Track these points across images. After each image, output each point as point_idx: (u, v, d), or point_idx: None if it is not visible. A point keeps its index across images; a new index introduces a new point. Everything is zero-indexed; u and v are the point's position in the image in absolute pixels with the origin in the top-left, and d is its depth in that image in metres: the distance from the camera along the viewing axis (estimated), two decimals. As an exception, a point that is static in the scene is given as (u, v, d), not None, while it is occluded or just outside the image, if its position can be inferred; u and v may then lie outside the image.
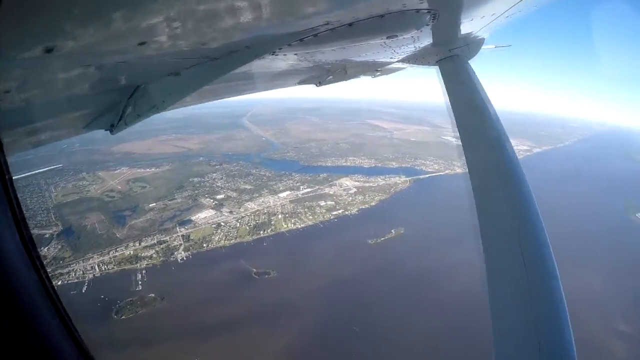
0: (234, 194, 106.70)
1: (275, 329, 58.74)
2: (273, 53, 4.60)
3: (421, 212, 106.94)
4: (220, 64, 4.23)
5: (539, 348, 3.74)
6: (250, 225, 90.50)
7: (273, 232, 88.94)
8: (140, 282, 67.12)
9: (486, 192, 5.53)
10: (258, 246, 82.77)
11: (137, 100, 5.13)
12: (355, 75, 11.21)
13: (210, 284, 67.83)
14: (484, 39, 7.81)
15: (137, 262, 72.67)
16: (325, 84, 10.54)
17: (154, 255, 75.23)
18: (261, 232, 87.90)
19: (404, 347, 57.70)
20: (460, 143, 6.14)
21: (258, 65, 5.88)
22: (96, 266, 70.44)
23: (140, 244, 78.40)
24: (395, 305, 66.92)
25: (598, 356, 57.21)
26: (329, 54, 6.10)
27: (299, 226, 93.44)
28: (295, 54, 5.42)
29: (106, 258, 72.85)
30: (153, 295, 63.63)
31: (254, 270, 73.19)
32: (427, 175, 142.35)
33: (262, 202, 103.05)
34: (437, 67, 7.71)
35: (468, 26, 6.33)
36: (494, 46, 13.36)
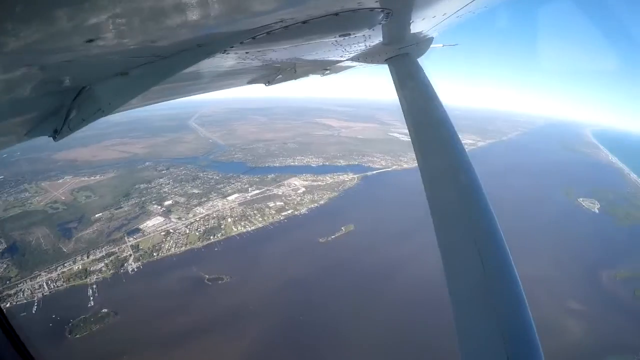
0: (182, 199, 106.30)
1: (233, 333, 59.47)
2: (225, 51, 4.66)
3: (370, 208, 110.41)
4: (170, 63, 4.15)
5: (502, 338, 3.79)
6: (200, 231, 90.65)
7: (223, 237, 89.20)
8: (91, 298, 66.07)
9: (437, 187, 5.69)
10: (209, 252, 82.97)
11: (81, 103, 4.92)
12: (305, 74, 11.07)
13: (164, 293, 67.60)
14: (433, 37, 8.01)
15: (86, 277, 71.30)
16: (275, 83, 10.67)
17: (104, 269, 74.21)
18: (211, 237, 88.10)
19: (361, 342, 59.59)
20: (410, 139, 6.36)
21: (208, 65, 5.88)
22: (44, 284, 68.68)
23: (88, 257, 77.01)
24: (350, 301, 68.81)
25: (554, 334, 61.02)
26: (280, 52, 6.15)
27: (249, 229, 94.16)
28: (246, 52, 5.40)
29: (54, 275, 71.21)
30: (106, 310, 62.85)
31: (207, 276, 73.47)
32: (375, 172, 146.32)
33: (211, 206, 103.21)
34: (386, 65, 7.96)
35: (419, 25, 6.50)
36: (442, 45, 13.26)
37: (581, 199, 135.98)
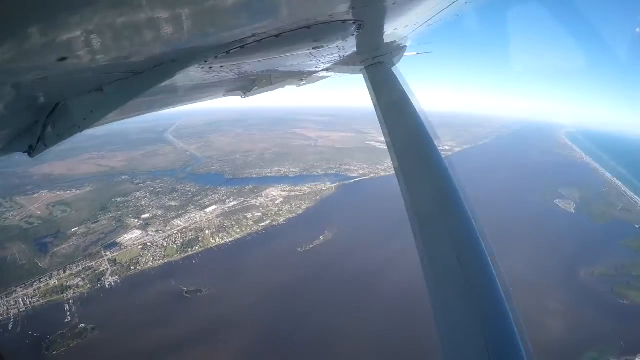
0: (160, 212, 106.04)
1: (214, 346, 59.44)
2: (199, 66, 4.65)
3: (348, 216, 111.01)
4: (145, 78, 4.10)
5: (484, 341, 3.82)
6: (178, 243, 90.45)
7: (202, 249, 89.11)
8: (69, 313, 65.58)
9: (415, 193, 5.69)
10: (187, 264, 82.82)
11: (56, 119, 4.81)
12: (281, 84, 10.75)
13: (142, 308, 67.21)
14: (406, 46, 8.13)
15: (63, 292, 70.79)
16: (251, 95, 10.51)
17: (81, 283, 73.75)
18: (189, 250, 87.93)
19: (344, 350, 60.10)
20: (387, 147, 6.40)
21: (184, 78, 5.79)
22: (20, 300, 68.16)
23: (65, 272, 76.51)
24: (331, 309, 69.17)
25: (534, 332, 61.06)
26: (255, 64, 6.18)
27: (228, 240, 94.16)
28: (221, 66, 5.38)
29: (30, 291, 70.68)
30: (84, 325, 62.37)
31: (185, 289, 73.30)
32: (352, 180, 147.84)
33: (189, 218, 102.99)
34: (361, 74, 8.00)
35: (392, 35, 6.64)
36: (415, 53, 13.69)
37: (557, 200, 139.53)
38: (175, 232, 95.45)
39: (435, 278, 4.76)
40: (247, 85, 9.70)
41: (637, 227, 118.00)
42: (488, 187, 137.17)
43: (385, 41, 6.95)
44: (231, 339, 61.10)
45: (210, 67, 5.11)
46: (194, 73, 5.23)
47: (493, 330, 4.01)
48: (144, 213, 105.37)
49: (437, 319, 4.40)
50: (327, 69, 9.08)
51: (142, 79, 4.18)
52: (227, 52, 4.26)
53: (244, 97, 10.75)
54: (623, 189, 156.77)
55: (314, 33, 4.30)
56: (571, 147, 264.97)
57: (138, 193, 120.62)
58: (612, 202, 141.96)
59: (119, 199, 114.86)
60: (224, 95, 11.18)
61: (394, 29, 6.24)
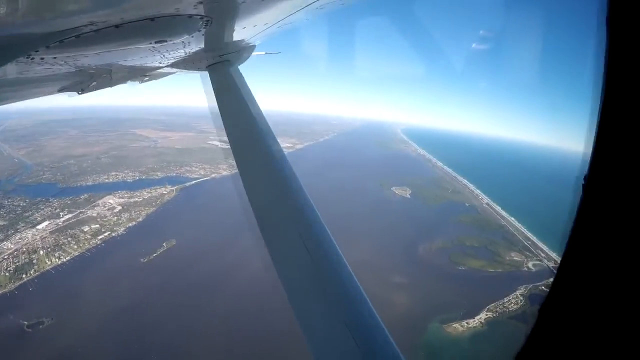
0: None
1: None
2: (29, 57, 4.21)
3: (190, 220, 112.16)
4: None
5: (353, 339, 3.99)
6: (10, 270, 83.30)
7: (38, 273, 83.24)
8: None
9: (259, 190, 5.87)
10: (24, 293, 76.89)
11: None
12: (122, 80, 10.19)
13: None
14: (255, 45, 8.10)
15: None
16: (89, 91, 9.21)
17: None
18: (24, 276, 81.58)
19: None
20: (229, 146, 6.45)
21: (11, 72, 5.25)
22: None
23: None
24: (182, 319, 69.97)
25: (384, 309, 65.99)
26: (93, 57, 5.64)
27: (65, 259, 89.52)
28: (54, 57, 4.78)
29: None
30: None
31: (26, 323, 68.18)
32: (194, 182, 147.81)
33: (20, 238, 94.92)
34: (207, 72, 7.84)
35: (240, 33, 6.48)
36: (264, 52, 13.71)
37: (394, 188, 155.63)
38: (5, 256, 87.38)
39: (288, 274, 5.04)
40: (85, 80, 8.59)
41: (467, 205, 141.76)
42: (330, 180, 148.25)
43: (233, 39, 6.92)
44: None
45: (42, 58, 4.63)
46: (22, 65, 4.73)
47: (355, 319, 4.38)
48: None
49: (298, 313, 4.66)
50: (172, 65, 8.74)
51: None
52: (61, 42, 3.82)
53: (81, 93, 9.34)
54: (453, 174, 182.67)
55: (158, 26, 4.08)
56: (406, 141, 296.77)
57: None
58: (444, 186, 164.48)
59: None
60: (59, 92, 9.85)
61: (242, 28, 6.21)
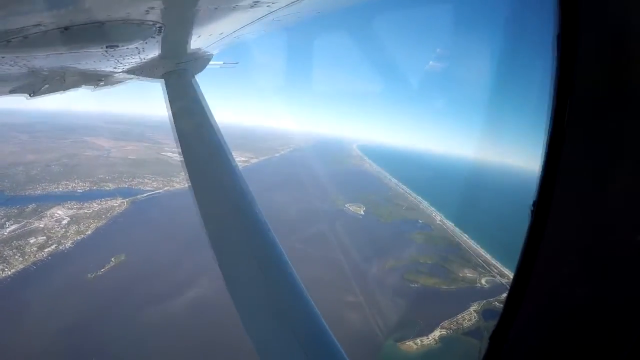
0: None
1: None
2: None
3: (141, 235, 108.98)
4: None
5: (298, 341, 4.03)
6: None
7: None
8: None
9: (211, 205, 5.78)
10: None
11: None
12: (75, 85, 9.83)
13: None
14: (212, 55, 8.02)
15: None
16: (40, 95, 9.01)
17: None
18: None
19: None
20: (182, 158, 6.29)
21: None
22: None
23: None
24: (129, 337, 68.43)
25: (338, 325, 64.93)
26: (43, 59, 5.53)
27: (9, 273, 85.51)
28: (2, 57, 4.73)
29: None
30: None
31: None
32: (146, 195, 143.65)
33: None
34: (162, 80, 7.73)
35: (196, 42, 6.38)
36: (222, 62, 13.51)
37: (348, 204, 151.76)
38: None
39: (238, 285, 5.01)
40: (37, 83, 8.41)
41: (421, 222, 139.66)
42: (283, 196, 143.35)
43: (188, 48, 6.76)
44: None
45: None
46: None
47: (306, 331, 4.39)
48: None
49: (248, 329, 4.61)
50: (127, 71, 8.44)
51: None
52: (8, 42, 3.72)
53: (31, 97, 9.15)
54: (407, 191, 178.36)
55: (108, 31, 4.01)
56: (362, 157, 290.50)
57: None
58: (398, 203, 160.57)
59: None
60: (10, 93, 9.64)
61: (198, 36, 6.06)
